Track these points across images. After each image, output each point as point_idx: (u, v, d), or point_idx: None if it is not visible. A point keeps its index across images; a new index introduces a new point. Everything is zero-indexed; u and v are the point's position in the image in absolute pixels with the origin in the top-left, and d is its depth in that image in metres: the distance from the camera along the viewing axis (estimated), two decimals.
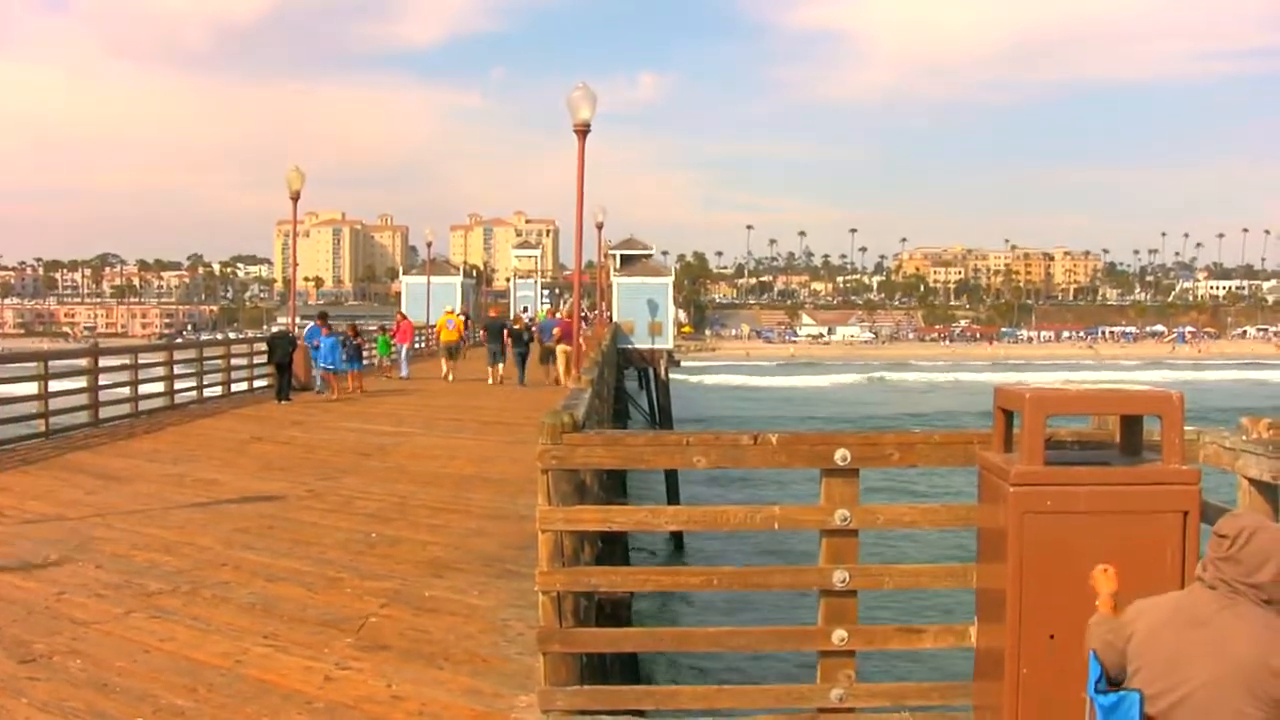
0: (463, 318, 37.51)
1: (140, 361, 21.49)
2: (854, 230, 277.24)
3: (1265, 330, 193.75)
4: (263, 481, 12.92)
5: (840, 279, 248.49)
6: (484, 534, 9.87)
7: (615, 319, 46.69)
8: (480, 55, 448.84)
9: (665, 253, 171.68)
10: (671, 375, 48.80)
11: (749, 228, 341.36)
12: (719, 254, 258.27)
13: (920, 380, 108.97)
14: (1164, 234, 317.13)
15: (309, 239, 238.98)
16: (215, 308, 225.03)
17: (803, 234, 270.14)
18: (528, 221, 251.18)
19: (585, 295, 38.81)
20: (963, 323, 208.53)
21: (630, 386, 50.40)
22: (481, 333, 35.79)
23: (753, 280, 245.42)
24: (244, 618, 7.17)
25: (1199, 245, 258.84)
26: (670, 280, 52.03)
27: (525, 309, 64.21)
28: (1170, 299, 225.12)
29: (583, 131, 20.27)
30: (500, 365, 29.43)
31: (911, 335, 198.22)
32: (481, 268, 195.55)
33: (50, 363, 17.95)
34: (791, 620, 8.05)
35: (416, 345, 46.63)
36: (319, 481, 12.86)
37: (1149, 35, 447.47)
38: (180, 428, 18.91)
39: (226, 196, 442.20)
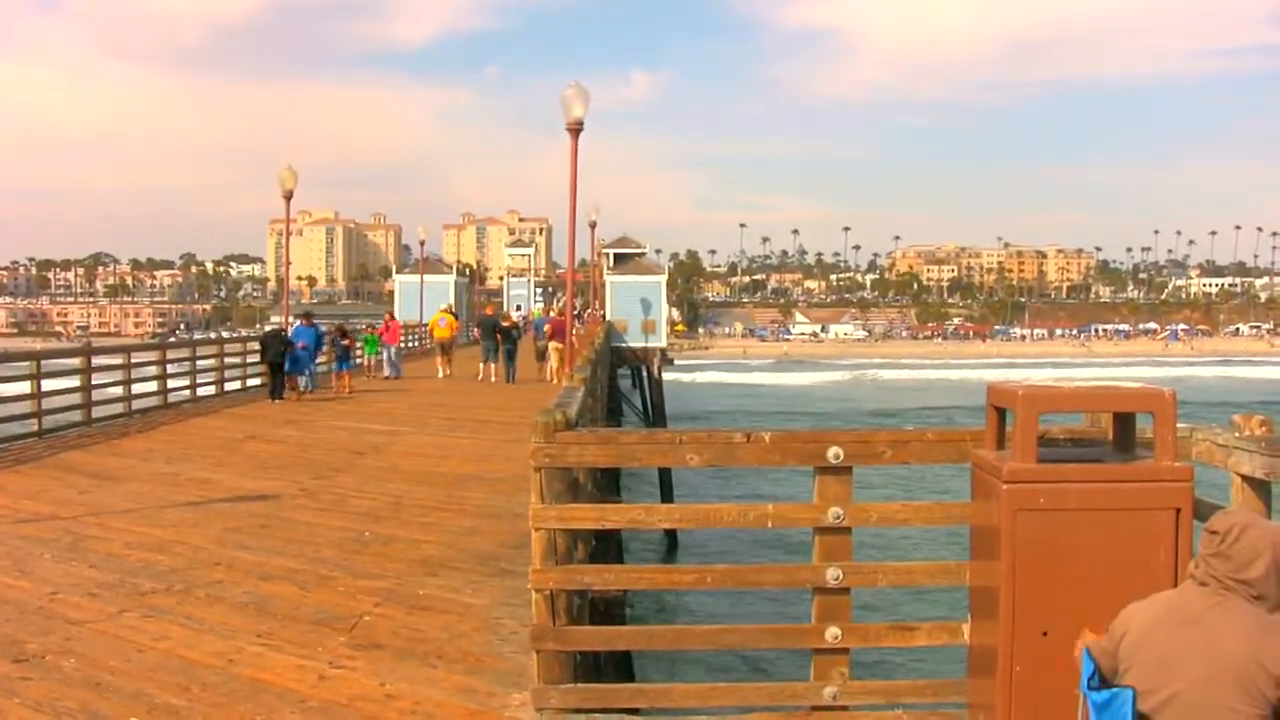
0: (454, 316, 37.74)
1: (133, 361, 21.44)
2: (847, 228, 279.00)
3: (1258, 327, 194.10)
4: (256, 480, 12.90)
5: (834, 277, 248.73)
6: (478, 532, 9.87)
7: (609, 317, 46.72)
8: (473, 54, 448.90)
9: (659, 251, 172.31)
10: (665, 373, 48.84)
11: (742, 226, 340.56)
12: (712, 252, 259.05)
13: (901, 378, 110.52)
14: (1157, 231, 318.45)
15: (302, 238, 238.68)
16: (208, 307, 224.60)
17: (796, 232, 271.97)
18: (521, 220, 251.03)
19: (579, 294, 38.77)
20: (956, 321, 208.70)
21: (624, 385, 50.47)
22: (475, 330, 35.97)
23: (746, 278, 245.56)
24: (237, 617, 7.16)
25: (1192, 243, 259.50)
26: (664, 279, 52.08)
27: (519, 307, 64.33)
28: (1163, 297, 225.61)
29: (576, 130, 20.25)
30: (493, 363, 29.58)
31: (905, 333, 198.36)
32: (475, 266, 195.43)
33: (43, 362, 17.89)
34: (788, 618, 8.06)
35: (410, 344, 46.67)
36: (312, 480, 12.85)
37: (1142, 33, 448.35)
38: (173, 427, 18.89)
39: (220, 196, 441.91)
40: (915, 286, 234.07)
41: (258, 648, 6.49)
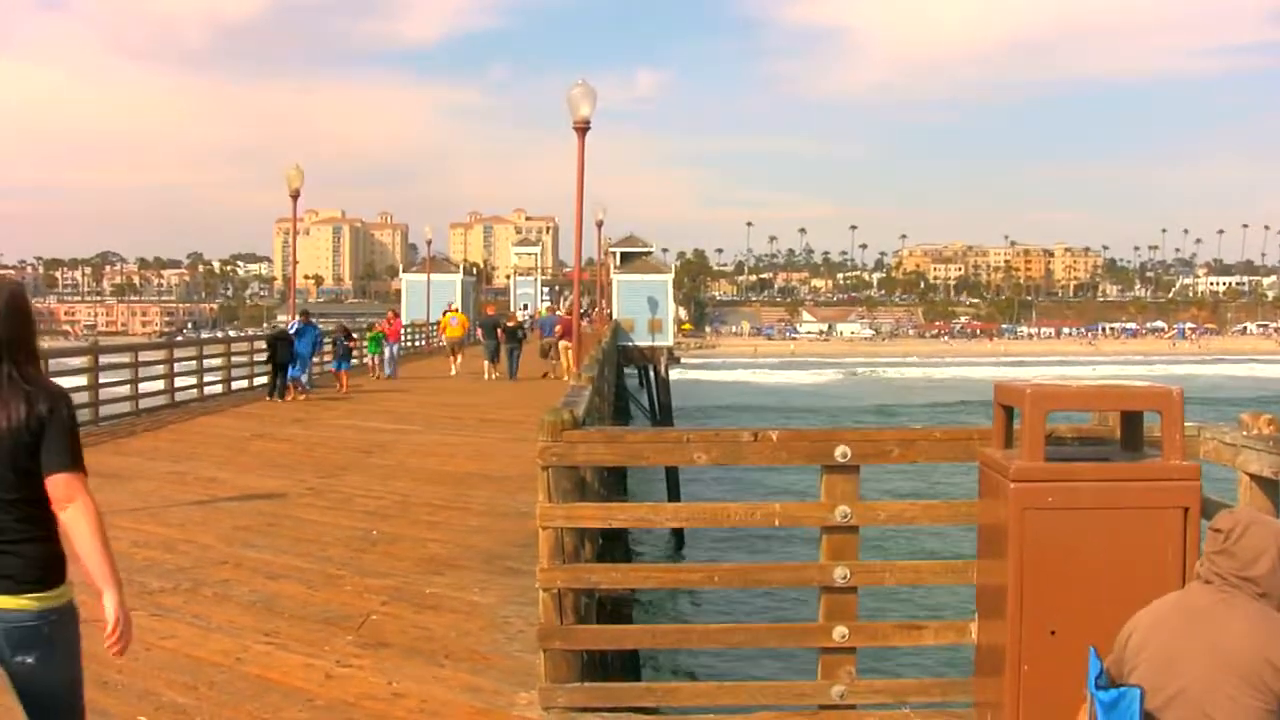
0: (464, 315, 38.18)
1: (140, 359, 21.46)
2: (854, 227, 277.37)
3: (1266, 326, 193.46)
4: (263, 479, 12.92)
5: (840, 276, 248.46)
6: (485, 531, 9.87)
7: (615, 316, 46.73)
8: (479, 53, 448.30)
9: (665, 250, 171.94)
10: (670, 372, 48.83)
11: (749, 224, 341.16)
12: (719, 251, 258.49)
13: (906, 375, 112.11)
14: (1164, 230, 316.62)
15: (309, 237, 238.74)
16: (215, 306, 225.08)
17: (803, 231, 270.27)
18: (527, 219, 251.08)
19: (585, 293, 38.84)
20: (963, 319, 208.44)
21: (631, 384, 50.45)
22: (478, 330, 36.28)
23: (753, 277, 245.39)
24: (245, 615, 7.17)
25: (1199, 241, 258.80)
26: (670, 278, 52.08)
27: (525, 306, 64.42)
28: (1170, 295, 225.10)
29: (582, 129, 20.23)
30: (495, 361, 29.97)
31: (911, 332, 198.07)
32: (481, 265, 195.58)
33: (51, 361, 17.92)
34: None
35: (417, 343, 46.71)
36: (319, 479, 12.86)
37: (1148, 31, 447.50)
38: (180, 425, 18.92)
39: (226, 195, 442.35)
40: (922, 285, 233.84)
41: (265, 646, 6.49)
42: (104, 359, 20.20)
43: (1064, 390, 4.58)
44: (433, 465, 14.11)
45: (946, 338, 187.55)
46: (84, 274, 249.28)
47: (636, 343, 46.29)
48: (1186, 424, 4.52)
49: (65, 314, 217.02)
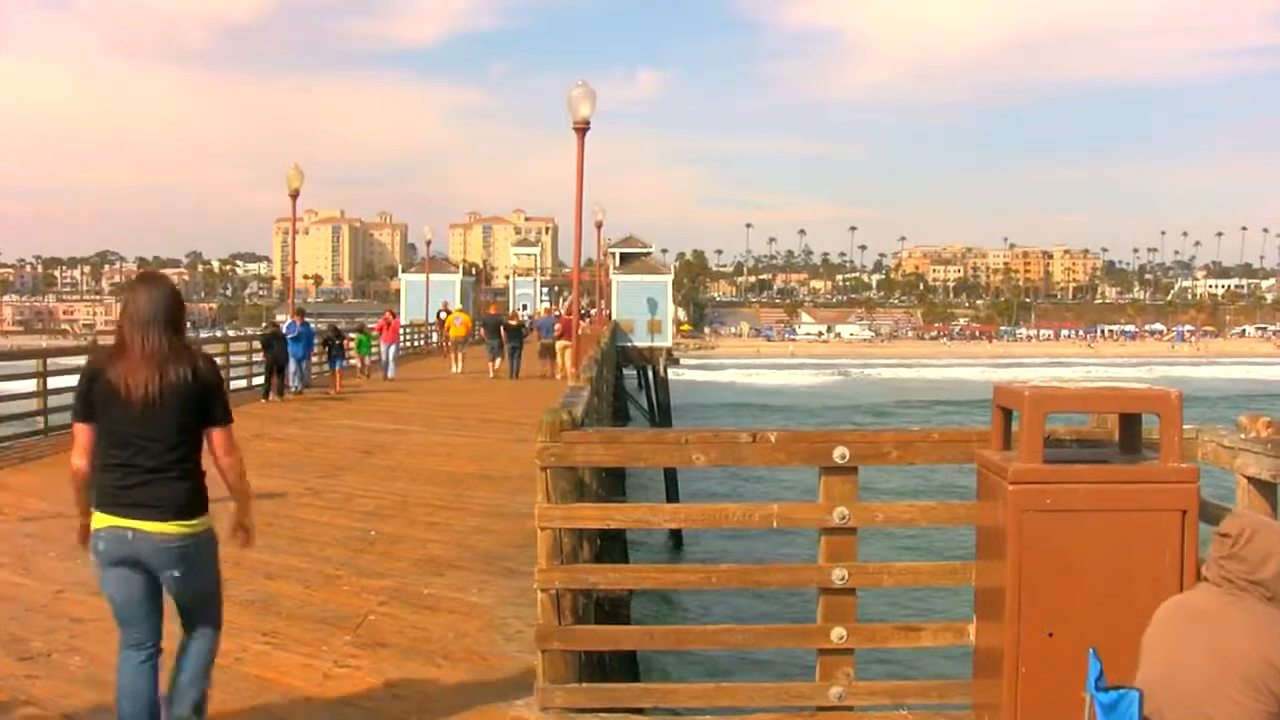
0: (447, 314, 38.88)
1: None
2: (853, 228, 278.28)
3: (1264, 329, 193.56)
4: (261, 479, 12.86)
5: (840, 277, 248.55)
6: (483, 532, 9.87)
7: (615, 317, 46.73)
8: (479, 53, 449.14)
9: (665, 250, 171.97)
10: (670, 372, 48.83)
11: (748, 225, 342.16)
12: (718, 252, 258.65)
13: (904, 376, 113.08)
14: (1163, 232, 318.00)
15: (308, 236, 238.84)
16: (214, 305, 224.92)
17: (802, 232, 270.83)
18: (527, 219, 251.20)
19: (585, 293, 38.82)
20: (962, 321, 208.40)
21: (630, 385, 50.45)
22: (481, 330, 36.73)
23: (752, 278, 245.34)
24: (242, 615, 7.15)
25: (1198, 244, 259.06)
26: (669, 278, 52.09)
27: (524, 306, 64.50)
28: (1169, 298, 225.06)
29: (582, 129, 20.26)
30: (498, 359, 30.45)
31: (911, 333, 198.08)
32: (481, 265, 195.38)
33: (49, 360, 17.92)
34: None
35: (417, 343, 46.66)
36: (318, 479, 12.86)
37: (1147, 34, 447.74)
38: None
39: (226, 194, 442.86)
40: (921, 287, 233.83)
41: (262, 646, 6.49)
42: None
43: (1062, 392, 4.57)
44: (432, 465, 14.11)
45: (946, 339, 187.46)
46: (83, 273, 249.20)
47: (635, 343, 46.30)
48: (1185, 426, 4.52)
49: (64, 313, 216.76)
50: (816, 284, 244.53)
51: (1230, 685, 3.04)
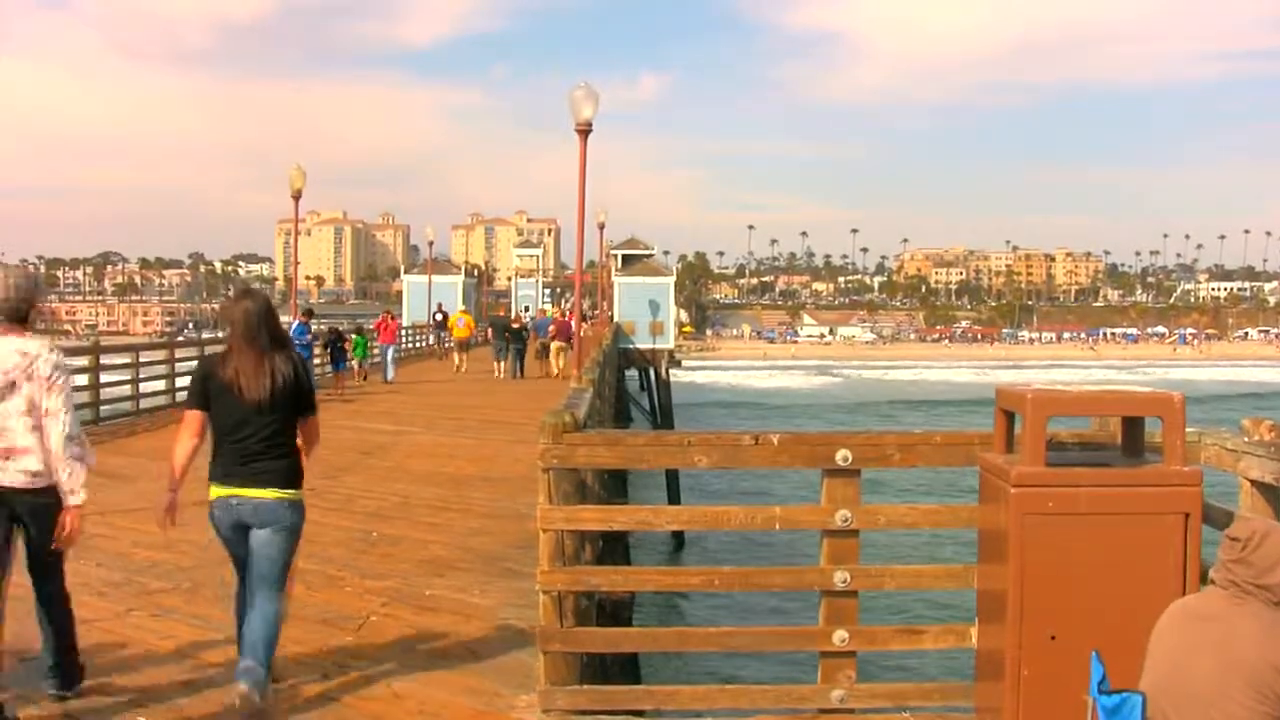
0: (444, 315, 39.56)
1: (142, 359, 21.47)
2: (855, 230, 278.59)
3: (1267, 332, 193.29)
4: None
5: (842, 279, 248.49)
6: (485, 533, 9.87)
7: (617, 319, 46.71)
8: (482, 54, 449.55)
9: (666, 252, 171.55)
10: (672, 374, 48.79)
11: (750, 228, 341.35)
12: (720, 254, 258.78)
13: (905, 379, 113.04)
14: (1165, 235, 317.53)
15: (310, 238, 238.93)
16: (217, 306, 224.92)
17: (804, 234, 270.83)
18: (529, 221, 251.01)
19: (586, 295, 38.84)
20: (964, 323, 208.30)
21: (632, 387, 50.43)
22: (487, 331, 37.19)
23: (754, 280, 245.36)
24: None
25: (1200, 247, 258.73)
26: (671, 280, 51.99)
27: (526, 308, 64.55)
28: (1172, 300, 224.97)
29: (584, 131, 20.24)
30: (504, 360, 30.97)
31: (913, 336, 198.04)
32: (483, 267, 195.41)
33: None
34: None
35: (418, 344, 46.60)
36: (319, 480, 12.80)
37: (1150, 36, 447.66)
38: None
39: (228, 195, 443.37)
40: (923, 289, 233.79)
41: None
42: (105, 359, 20.18)
43: (1065, 395, 4.56)
44: (433, 467, 14.11)
45: (947, 342, 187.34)
46: (85, 273, 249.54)
47: (638, 345, 46.27)
48: (1187, 429, 4.51)
49: (67, 313, 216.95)
50: (818, 286, 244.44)
51: (1235, 689, 3.04)
